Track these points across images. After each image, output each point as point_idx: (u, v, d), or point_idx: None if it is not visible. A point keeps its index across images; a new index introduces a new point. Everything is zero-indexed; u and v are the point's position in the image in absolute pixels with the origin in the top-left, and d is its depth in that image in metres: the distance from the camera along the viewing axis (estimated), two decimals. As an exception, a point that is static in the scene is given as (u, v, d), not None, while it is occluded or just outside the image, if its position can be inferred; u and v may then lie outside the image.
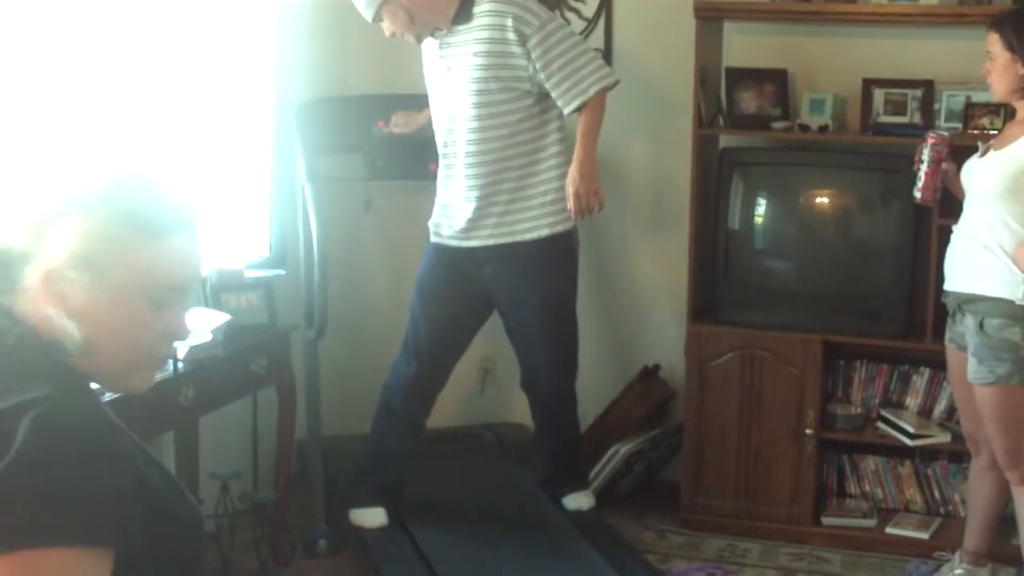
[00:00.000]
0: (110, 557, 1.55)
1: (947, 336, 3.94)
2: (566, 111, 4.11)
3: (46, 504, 1.50)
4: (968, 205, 3.80)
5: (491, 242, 4.19)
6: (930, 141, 3.86)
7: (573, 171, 4.11)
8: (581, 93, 4.07)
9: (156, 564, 1.65)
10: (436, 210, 4.29)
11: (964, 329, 3.77)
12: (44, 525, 1.49)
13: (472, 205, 4.16)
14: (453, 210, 4.23)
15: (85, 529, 1.52)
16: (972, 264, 3.70)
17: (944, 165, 3.87)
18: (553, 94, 4.08)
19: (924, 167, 3.87)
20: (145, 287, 1.68)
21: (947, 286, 3.86)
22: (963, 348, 3.80)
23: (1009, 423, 3.72)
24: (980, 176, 3.74)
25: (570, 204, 4.13)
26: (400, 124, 4.58)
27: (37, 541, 1.49)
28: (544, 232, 4.18)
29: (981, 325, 3.68)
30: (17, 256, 1.66)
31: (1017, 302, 3.61)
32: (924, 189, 3.89)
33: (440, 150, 4.25)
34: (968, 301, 3.74)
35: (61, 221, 1.65)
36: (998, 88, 3.75)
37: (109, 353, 1.70)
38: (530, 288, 4.24)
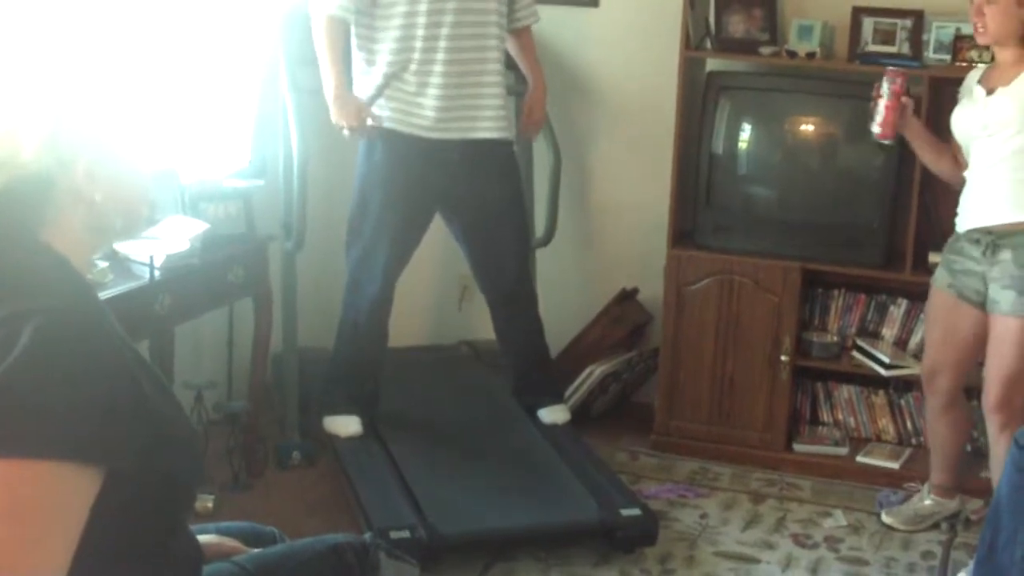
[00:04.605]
0: (99, 475, 1.53)
1: (944, 282, 3.84)
2: (526, 22, 4.36)
3: (38, 415, 1.48)
4: (982, 145, 3.70)
5: (487, 135, 4.17)
6: (890, 75, 3.84)
7: (541, 91, 4.42)
8: (535, 15, 4.40)
9: (150, 484, 1.63)
10: (402, 104, 4.15)
11: (997, 264, 3.66)
12: (34, 436, 1.47)
13: (459, 94, 4.14)
14: (431, 99, 4.12)
15: (75, 445, 1.49)
16: (1008, 195, 3.65)
17: (903, 99, 3.84)
18: (519, 3, 4.30)
19: (884, 101, 3.84)
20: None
21: (979, 223, 3.72)
22: (966, 299, 3.75)
23: None
24: (998, 110, 3.65)
25: (534, 123, 4.44)
26: None
27: (25, 451, 1.47)
28: (508, 135, 4.31)
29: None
30: (47, 179, 1.64)
31: None
32: (884, 124, 3.86)
33: (416, 44, 4.09)
34: (1007, 235, 3.65)
35: (64, 124, 1.66)
36: (994, 30, 3.63)
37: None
38: (504, 185, 4.33)
